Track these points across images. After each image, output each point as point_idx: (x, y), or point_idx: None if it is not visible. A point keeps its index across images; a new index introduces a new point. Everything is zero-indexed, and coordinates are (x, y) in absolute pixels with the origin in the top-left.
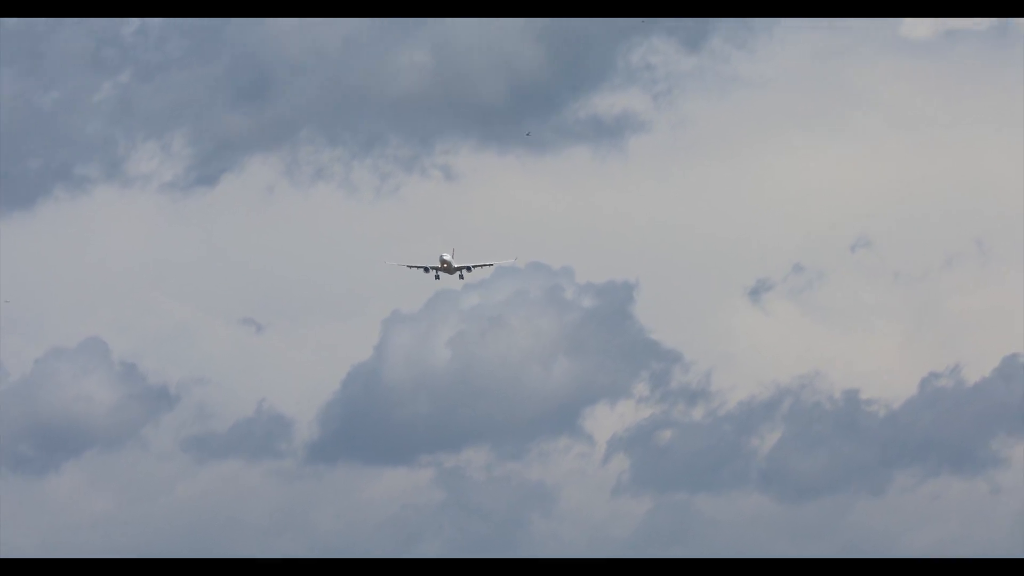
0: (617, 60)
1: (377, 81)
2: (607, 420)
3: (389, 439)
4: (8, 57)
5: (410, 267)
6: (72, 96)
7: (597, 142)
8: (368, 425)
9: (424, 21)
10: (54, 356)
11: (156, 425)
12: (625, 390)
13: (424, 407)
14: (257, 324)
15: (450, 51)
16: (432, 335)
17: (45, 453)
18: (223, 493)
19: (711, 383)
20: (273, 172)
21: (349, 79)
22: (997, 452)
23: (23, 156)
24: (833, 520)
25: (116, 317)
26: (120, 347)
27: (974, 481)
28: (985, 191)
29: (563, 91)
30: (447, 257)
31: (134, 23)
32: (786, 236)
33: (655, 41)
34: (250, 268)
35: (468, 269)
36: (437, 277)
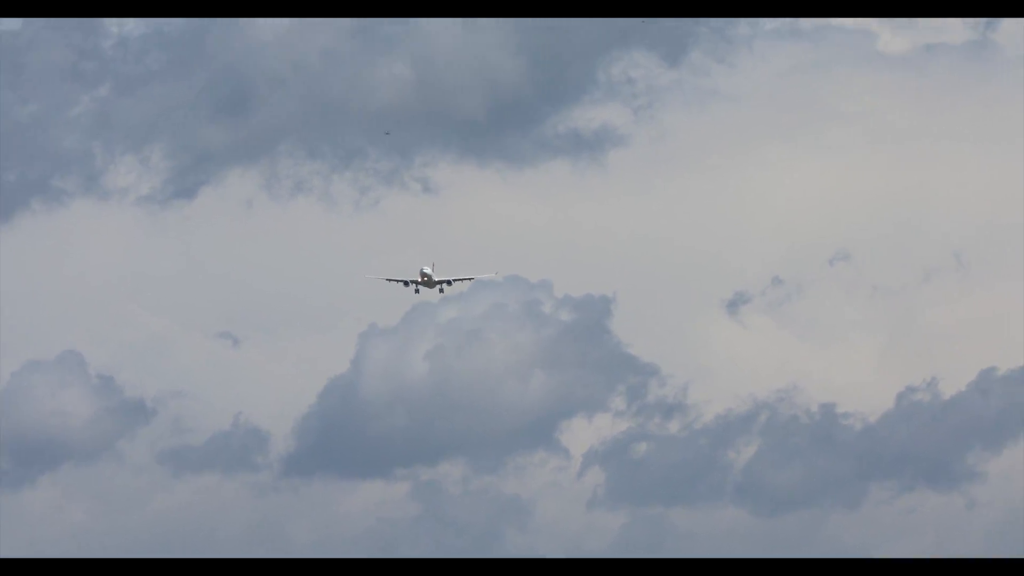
0: (597, 74)
1: (357, 94)
2: (583, 433)
3: (366, 452)
4: None
5: (389, 281)
6: (50, 109)
7: (577, 156)
8: (345, 438)
9: (404, 34)
10: (30, 369)
11: (132, 438)
12: (602, 404)
13: (401, 420)
14: (234, 338)
15: (430, 64)
16: (409, 348)
17: (21, 466)
18: (199, 506)
19: (688, 396)
20: (252, 185)
21: (329, 92)
22: (973, 466)
23: (0, 169)
24: (809, 533)
25: (93, 330)
26: (97, 360)
27: (950, 495)
28: (963, 205)
29: (543, 104)
30: (427, 271)
31: (114, 35)
32: (764, 250)
33: (635, 55)
34: (228, 281)
35: (448, 283)
36: (417, 291)
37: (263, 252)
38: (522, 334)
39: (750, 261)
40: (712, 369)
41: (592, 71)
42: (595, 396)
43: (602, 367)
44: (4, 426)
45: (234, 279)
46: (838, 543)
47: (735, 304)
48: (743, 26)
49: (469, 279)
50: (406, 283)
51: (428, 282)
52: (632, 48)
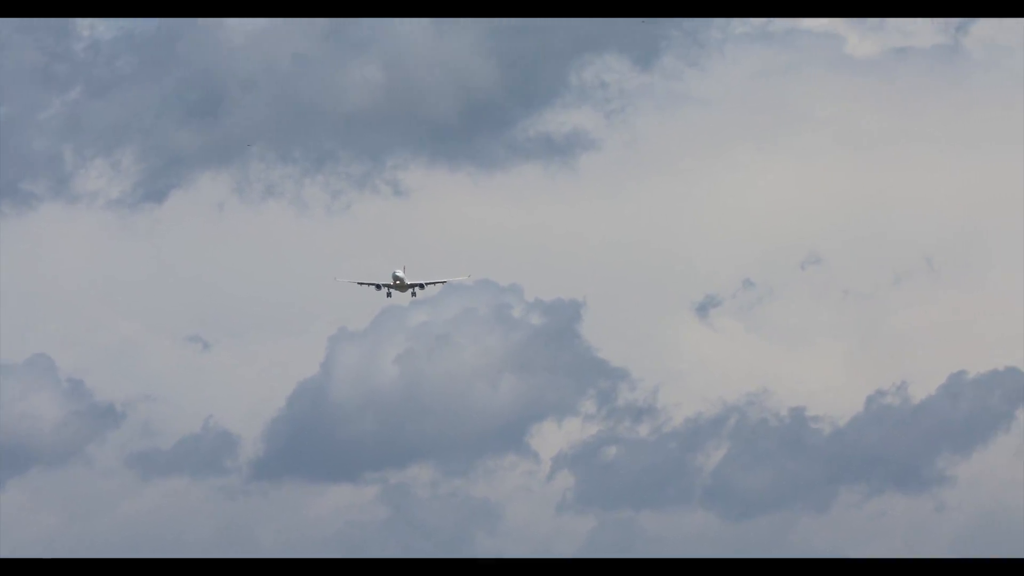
0: (569, 77)
1: (328, 98)
2: (553, 437)
3: (335, 456)
4: None
5: (361, 284)
6: (20, 112)
7: (548, 160)
8: (314, 442)
9: (375, 37)
10: (0, 373)
11: (102, 442)
12: (572, 408)
13: (370, 424)
14: (204, 341)
15: (401, 67)
16: (379, 352)
17: None
18: (168, 510)
19: (658, 400)
20: (223, 189)
21: (300, 95)
22: (943, 470)
23: None
24: (778, 537)
25: (63, 334)
26: (67, 364)
27: (919, 498)
28: (934, 208)
29: (515, 108)
30: (400, 274)
31: (85, 39)
32: (735, 254)
33: (608, 58)
34: (197, 285)
35: (421, 286)
36: (389, 295)
37: (234, 256)
38: (492, 338)
39: (721, 265)
40: (682, 373)
41: (564, 74)
42: (565, 400)
43: (572, 371)
44: None
45: (204, 283)
46: (807, 547)
47: (705, 307)
48: (714, 29)
49: (442, 282)
50: (378, 286)
51: (401, 285)
52: (604, 52)
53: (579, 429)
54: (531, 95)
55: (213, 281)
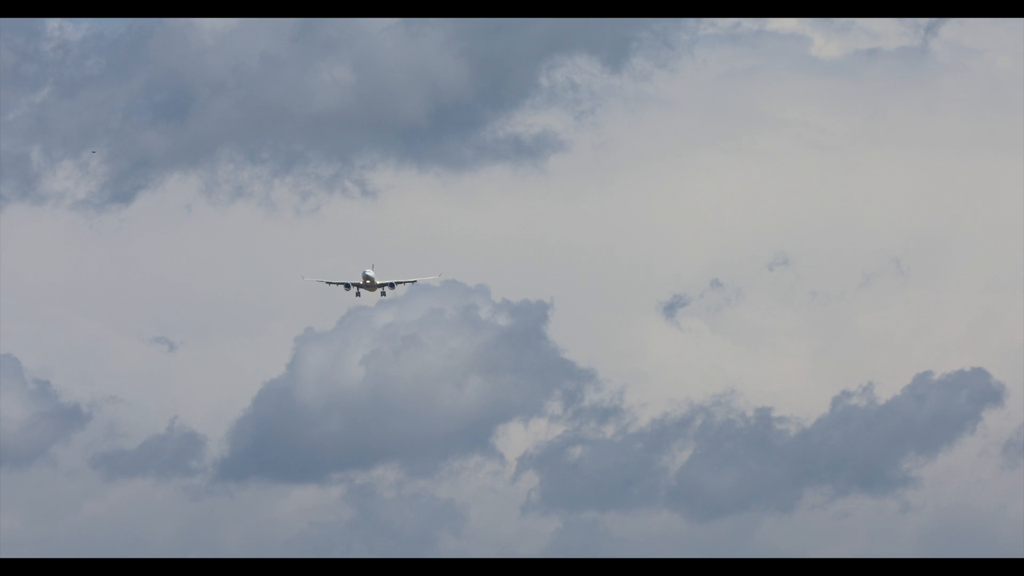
0: (539, 79)
1: (297, 98)
2: (519, 438)
3: (300, 456)
4: None
5: (330, 283)
6: None
7: (517, 161)
8: (279, 442)
9: (344, 38)
10: None
11: (67, 443)
12: (538, 408)
13: (336, 425)
14: (169, 342)
15: (370, 68)
16: (345, 353)
17: None
18: (134, 510)
19: (624, 401)
20: (191, 190)
21: (269, 96)
22: (907, 471)
23: None
24: (743, 537)
25: (28, 335)
26: (33, 364)
27: (884, 499)
28: (901, 210)
29: (484, 109)
30: (370, 273)
31: (55, 39)
32: (703, 255)
33: (578, 60)
34: (163, 286)
35: (391, 286)
36: (358, 294)
37: (201, 257)
38: (459, 339)
39: (688, 266)
40: (648, 373)
41: (534, 76)
42: (531, 401)
43: (538, 372)
44: None
45: (170, 284)
46: (773, 547)
47: (672, 308)
48: (684, 31)
49: (412, 282)
50: (347, 286)
51: (370, 285)
52: (574, 53)
53: (545, 430)
54: (500, 96)
55: (179, 282)
